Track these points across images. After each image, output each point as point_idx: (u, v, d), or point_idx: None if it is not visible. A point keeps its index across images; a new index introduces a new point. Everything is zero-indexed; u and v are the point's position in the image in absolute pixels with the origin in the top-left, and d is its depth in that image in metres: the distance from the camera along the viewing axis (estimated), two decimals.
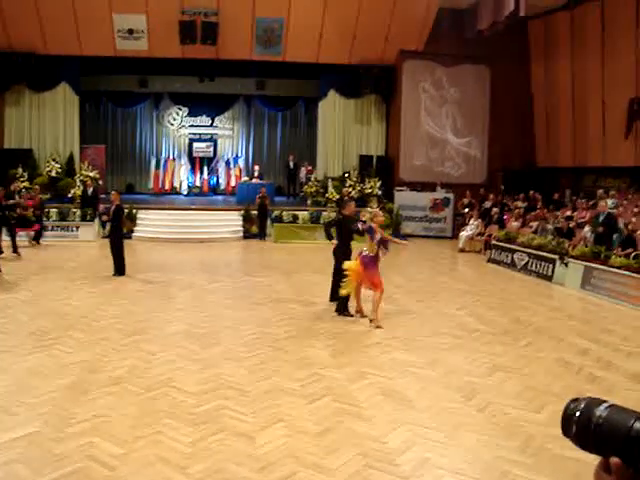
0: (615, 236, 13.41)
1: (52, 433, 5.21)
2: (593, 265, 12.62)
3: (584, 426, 0.83)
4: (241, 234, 19.85)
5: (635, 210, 16.00)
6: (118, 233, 12.92)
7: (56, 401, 5.92)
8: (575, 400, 0.87)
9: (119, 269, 12.76)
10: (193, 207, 20.92)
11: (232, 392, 6.34)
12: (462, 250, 18.41)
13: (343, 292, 9.60)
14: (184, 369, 7.04)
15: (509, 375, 7.19)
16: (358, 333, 8.95)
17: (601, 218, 13.57)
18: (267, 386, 6.55)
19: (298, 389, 6.49)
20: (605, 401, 0.83)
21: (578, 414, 0.84)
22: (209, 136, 26.94)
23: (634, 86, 17.92)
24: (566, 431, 0.90)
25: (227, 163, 26.52)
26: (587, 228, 14.26)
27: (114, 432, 5.28)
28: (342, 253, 10.05)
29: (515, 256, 15.21)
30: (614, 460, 0.79)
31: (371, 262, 9.44)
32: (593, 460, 1.08)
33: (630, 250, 12.48)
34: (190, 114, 26.63)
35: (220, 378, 6.75)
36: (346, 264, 9.55)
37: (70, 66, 21.53)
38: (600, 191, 17.89)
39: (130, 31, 20.44)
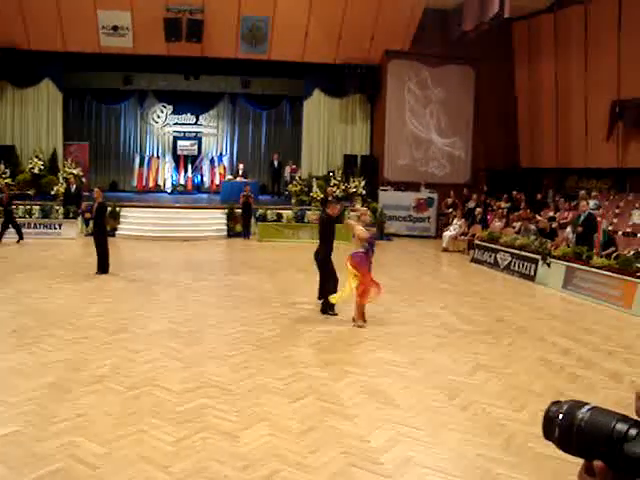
0: (595, 236, 13.52)
1: (33, 432, 5.16)
2: (575, 265, 12.73)
3: (566, 429, 0.84)
4: (225, 232, 19.81)
5: (616, 211, 16.16)
6: (101, 231, 12.84)
7: (38, 400, 5.87)
8: (556, 403, 0.87)
9: (102, 267, 12.69)
10: (177, 205, 20.84)
11: (215, 391, 6.32)
12: (445, 250, 18.49)
13: (336, 299, 9.45)
14: (167, 368, 7.01)
15: (492, 374, 7.23)
16: (342, 332, 8.96)
17: (582, 218, 13.67)
18: (251, 385, 6.55)
19: (282, 388, 6.49)
20: (587, 403, 0.84)
21: (561, 417, 0.85)
22: (194, 134, 26.82)
23: (616, 88, 18.08)
24: (548, 434, 0.90)
25: (211, 161, 26.42)
26: (569, 229, 14.37)
27: (96, 431, 5.25)
28: (325, 255, 9.95)
29: (498, 256, 15.30)
30: (597, 463, 0.79)
31: (363, 260, 9.21)
32: (574, 459, 1.06)
33: (610, 250, 12.61)
34: (175, 112, 26.50)
35: (204, 377, 6.73)
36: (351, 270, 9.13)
37: (54, 62, 21.33)
38: (582, 192, 18.04)
39: (115, 28, 20.33)
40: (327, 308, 9.87)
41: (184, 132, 26.72)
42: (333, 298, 9.48)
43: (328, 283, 9.88)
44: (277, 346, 8.07)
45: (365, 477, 4.67)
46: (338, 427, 5.54)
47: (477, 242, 16.60)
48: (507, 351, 8.31)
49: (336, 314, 9.85)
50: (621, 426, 0.76)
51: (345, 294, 9.30)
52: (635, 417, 0.76)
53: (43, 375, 6.58)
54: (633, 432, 0.74)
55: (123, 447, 4.98)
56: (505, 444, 5.32)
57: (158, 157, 26.04)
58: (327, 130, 23.19)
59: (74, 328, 8.55)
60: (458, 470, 4.83)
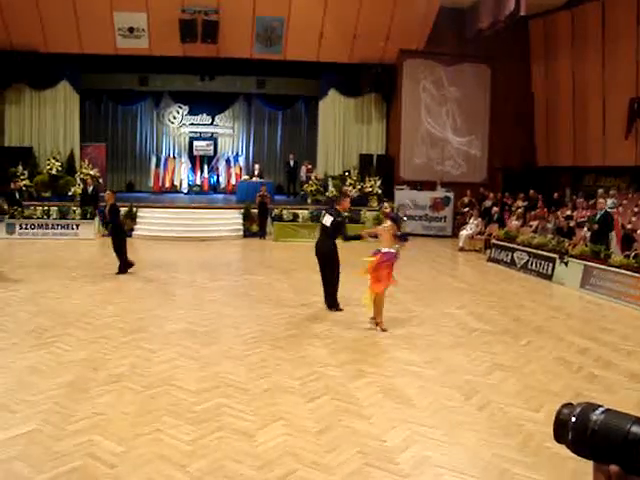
0: (611, 234, 13.42)
1: (52, 431, 5.21)
2: (593, 264, 12.62)
3: (580, 432, 0.83)
4: (241, 233, 19.85)
5: (635, 210, 16.00)
6: (118, 232, 12.92)
7: (56, 399, 5.93)
8: (568, 405, 0.86)
9: (120, 267, 12.76)
10: (193, 205, 20.93)
11: (232, 390, 6.34)
12: (462, 249, 18.42)
13: (368, 303, 9.10)
14: (184, 367, 7.04)
15: (509, 374, 7.19)
16: (358, 331, 8.94)
17: (598, 216, 13.56)
18: (267, 384, 6.56)
19: (298, 387, 6.50)
20: (600, 406, 0.83)
21: (574, 420, 0.84)
22: (209, 134, 26.94)
23: (634, 86, 17.91)
24: (560, 437, 0.89)
25: (227, 161, 26.52)
26: (587, 227, 14.26)
27: (114, 430, 5.28)
28: (331, 251, 9.85)
29: (515, 255, 15.21)
30: (613, 467, 0.78)
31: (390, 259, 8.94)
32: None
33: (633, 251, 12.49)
34: (190, 112, 26.63)
35: (220, 376, 6.75)
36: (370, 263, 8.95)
37: (71, 64, 21.50)
38: (600, 190, 17.89)
39: (131, 29, 20.44)
40: (332, 303, 9.94)
41: (200, 132, 26.84)
42: (366, 299, 9.12)
43: (333, 277, 9.88)
44: (293, 346, 8.07)
45: (381, 477, 4.66)
46: (354, 427, 5.53)
47: (494, 241, 16.51)
48: (524, 351, 8.26)
49: (342, 309, 9.92)
50: (637, 429, 0.75)
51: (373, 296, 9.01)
52: None
53: (61, 374, 6.63)
54: None
55: (140, 446, 5.01)
56: (522, 444, 5.29)
57: (174, 158, 26.17)
58: (343, 130, 23.17)
59: (92, 328, 8.61)
60: (475, 470, 4.81)
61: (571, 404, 0.86)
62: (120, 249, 12.78)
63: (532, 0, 17.93)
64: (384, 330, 8.90)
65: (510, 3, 17.74)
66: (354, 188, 21.21)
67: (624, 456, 0.76)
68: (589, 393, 6.63)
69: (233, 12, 19.97)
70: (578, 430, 0.83)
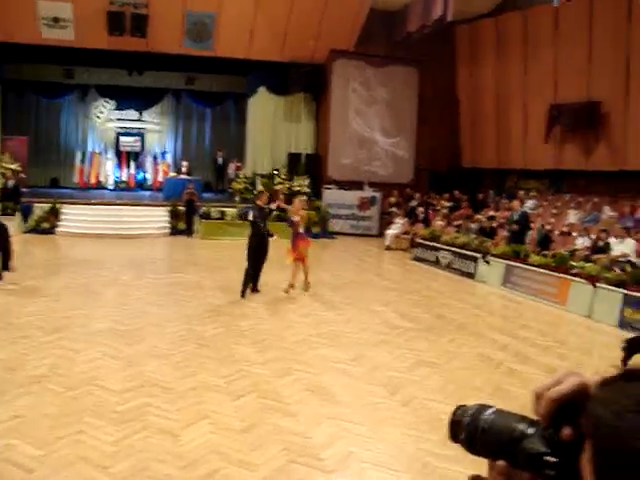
0: (529, 234, 13.98)
1: None
2: (513, 263, 13.07)
3: (472, 431, 0.89)
4: (168, 230, 19.57)
5: (553, 211, 16.63)
6: None
7: None
8: (462, 406, 0.92)
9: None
10: (119, 202, 20.48)
11: (157, 389, 6.27)
12: (388, 248, 18.70)
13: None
14: (108, 367, 6.91)
15: (432, 370, 7.37)
16: (284, 329, 8.98)
17: (515, 217, 14.12)
18: (192, 383, 6.52)
19: (223, 386, 6.48)
20: (491, 407, 0.88)
21: (467, 420, 0.89)
22: (137, 130, 26.37)
23: (553, 93, 18.59)
24: (454, 437, 0.95)
25: (155, 158, 26.09)
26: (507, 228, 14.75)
27: (33, 433, 5.14)
28: (258, 243, 10.93)
29: (439, 254, 15.57)
30: (500, 463, 0.84)
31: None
32: None
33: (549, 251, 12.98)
34: (118, 107, 25.91)
35: (145, 375, 6.67)
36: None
37: None
38: (521, 192, 18.50)
39: (55, 19, 19.78)
40: (247, 288, 11.00)
41: (127, 128, 26.21)
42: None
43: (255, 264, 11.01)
44: (219, 344, 8.04)
45: (306, 473, 4.71)
46: (280, 424, 5.57)
47: (419, 241, 16.84)
48: (447, 347, 8.48)
49: (259, 290, 11.17)
50: (520, 426, 0.81)
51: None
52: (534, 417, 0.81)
53: None
54: (531, 430, 0.80)
55: (61, 448, 4.89)
56: (445, 438, 5.36)
57: (100, 153, 25.50)
58: (272, 128, 23.11)
59: (11, 328, 8.33)
60: (398, 464, 4.92)
61: (464, 405, 0.92)
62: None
63: (459, 7, 18.34)
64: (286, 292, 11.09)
65: (438, 8, 18.13)
66: (282, 187, 21.18)
67: (510, 452, 0.82)
68: (508, 387, 6.87)
69: (163, 6, 19.61)
70: (470, 429, 0.89)
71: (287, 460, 4.89)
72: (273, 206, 12.38)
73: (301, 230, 11.37)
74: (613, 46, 16.46)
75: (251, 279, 11.01)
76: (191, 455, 4.89)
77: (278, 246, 11.58)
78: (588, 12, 17.18)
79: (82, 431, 5.21)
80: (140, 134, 26.37)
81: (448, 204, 19.56)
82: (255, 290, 11.18)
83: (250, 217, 10.96)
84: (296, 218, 11.35)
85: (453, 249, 15.10)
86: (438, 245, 15.76)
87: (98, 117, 26.03)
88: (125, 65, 22.79)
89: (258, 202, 11.31)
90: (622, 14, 16.16)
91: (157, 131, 26.77)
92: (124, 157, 25.74)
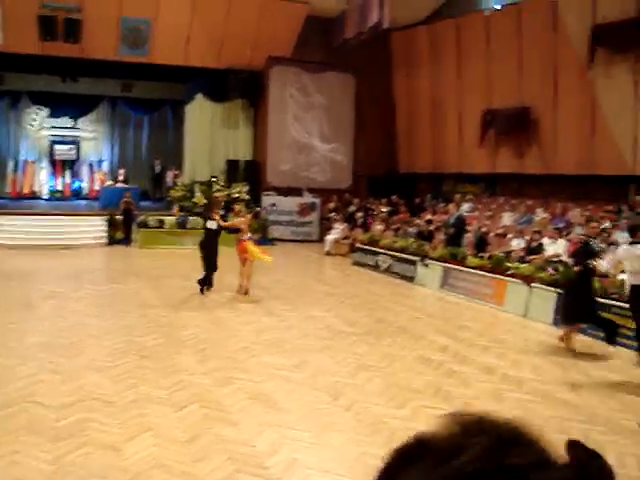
0: (465, 236, 14.30)
1: None
2: (451, 266, 13.32)
3: None
4: (105, 240, 19.17)
5: (488, 214, 17.01)
6: None
7: None
8: None
9: None
10: (54, 212, 19.93)
11: (97, 403, 6.13)
12: (328, 253, 18.79)
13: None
14: (45, 382, 6.72)
15: (373, 374, 7.44)
16: (226, 338, 8.93)
17: (452, 220, 14.42)
18: (133, 395, 6.40)
19: (165, 397, 6.39)
20: None
21: None
22: (72, 138, 25.73)
23: (487, 98, 19.06)
24: None
25: (91, 166, 25.55)
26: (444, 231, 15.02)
27: None
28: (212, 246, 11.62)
29: (379, 259, 15.73)
30: None
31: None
32: None
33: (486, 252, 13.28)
34: (51, 115, 25.21)
35: (84, 390, 6.50)
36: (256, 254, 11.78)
37: None
38: (457, 196, 18.86)
39: None
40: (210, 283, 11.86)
41: (62, 136, 25.55)
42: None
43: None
44: (160, 355, 7.92)
45: None
46: (223, 434, 5.52)
47: (358, 245, 16.99)
48: (388, 350, 8.57)
49: (212, 286, 11.82)
50: None
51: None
52: None
53: None
54: None
55: None
56: (388, 441, 5.48)
57: (34, 162, 24.81)
58: (210, 135, 22.92)
59: None
60: (342, 469, 4.95)
61: None
62: None
63: (394, 14, 18.62)
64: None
65: (373, 16, 18.36)
66: (221, 194, 21.00)
67: None
68: (448, 388, 7.00)
69: (97, 11, 19.20)
70: None
71: (232, 470, 4.85)
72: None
73: (246, 237, 11.91)
74: (541, 54, 17.00)
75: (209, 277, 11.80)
76: (134, 469, 4.79)
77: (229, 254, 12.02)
78: (517, 22, 17.72)
79: (18, 451, 5.03)
80: (75, 142, 25.74)
81: (386, 209, 19.78)
82: (209, 286, 11.90)
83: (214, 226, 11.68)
84: (243, 227, 11.91)
85: (392, 253, 15.29)
86: (377, 249, 15.94)
87: (31, 125, 25.27)
88: (59, 71, 22.21)
89: (215, 215, 11.86)
90: (548, 24, 16.71)
91: (93, 139, 26.20)
92: (59, 166, 25.12)
